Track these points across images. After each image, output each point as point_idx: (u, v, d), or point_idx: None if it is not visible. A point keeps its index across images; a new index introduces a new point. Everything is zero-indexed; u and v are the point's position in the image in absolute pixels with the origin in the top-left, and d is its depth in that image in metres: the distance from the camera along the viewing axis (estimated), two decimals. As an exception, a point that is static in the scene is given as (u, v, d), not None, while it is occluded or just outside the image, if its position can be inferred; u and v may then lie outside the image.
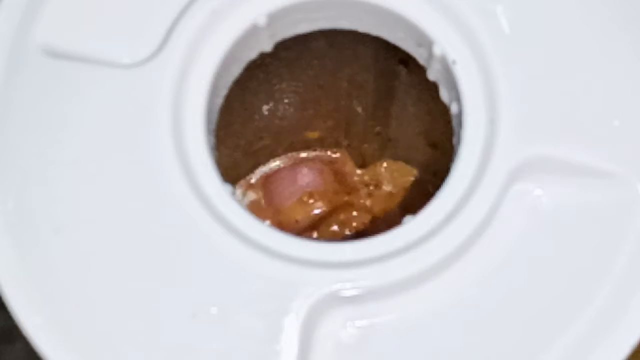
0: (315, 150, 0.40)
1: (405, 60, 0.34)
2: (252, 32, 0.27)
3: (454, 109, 0.26)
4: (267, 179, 0.39)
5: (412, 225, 0.24)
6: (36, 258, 0.24)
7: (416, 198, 0.39)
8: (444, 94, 0.27)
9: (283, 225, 0.38)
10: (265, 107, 0.37)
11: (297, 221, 0.39)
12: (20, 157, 0.25)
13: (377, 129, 0.39)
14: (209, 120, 0.26)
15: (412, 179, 0.39)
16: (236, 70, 0.28)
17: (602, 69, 0.25)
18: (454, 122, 0.26)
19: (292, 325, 0.23)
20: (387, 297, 0.24)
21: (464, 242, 0.24)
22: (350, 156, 0.40)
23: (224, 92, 0.27)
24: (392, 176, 0.40)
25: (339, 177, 0.40)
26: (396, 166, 0.40)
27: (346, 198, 0.39)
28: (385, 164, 0.40)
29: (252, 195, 0.39)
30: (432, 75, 0.27)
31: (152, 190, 0.25)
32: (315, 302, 0.24)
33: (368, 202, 0.40)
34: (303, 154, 0.40)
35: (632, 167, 0.25)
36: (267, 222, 0.37)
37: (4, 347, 0.36)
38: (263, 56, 0.28)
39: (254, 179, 0.39)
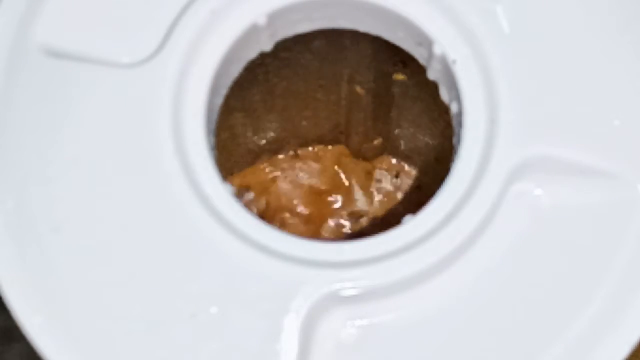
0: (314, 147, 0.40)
1: (405, 60, 0.34)
2: (252, 31, 0.27)
3: (453, 108, 0.26)
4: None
5: (412, 225, 0.24)
6: (36, 258, 0.24)
7: (416, 198, 0.39)
8: (444, 94, 0.27)
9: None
10: (265, 107, 0.37)
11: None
12: (20, 157, 0.25)
13: (377, 129, 0.39)
14: (209, 120, 0.26)
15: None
16: (236, 70, 0.28)
17: (602, 69, 0.25)
18: (454, 122, 0.26)
19: (292, 325, 0.23)
20: (387, 296, 0.24)
21: (463, 242, 0.24)
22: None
23: (224, 92, 0.27)
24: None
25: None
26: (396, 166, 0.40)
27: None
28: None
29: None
30: (432, 74, 0.27)
31: (152, 190, 0.25)
32: (315, 302, 0.24)
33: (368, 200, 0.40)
34: (302, 152, 0.40)
35: (632, 167, 0.25)
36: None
37: (4, 347, 0.36)
38: (263, 56, 0.28)
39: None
